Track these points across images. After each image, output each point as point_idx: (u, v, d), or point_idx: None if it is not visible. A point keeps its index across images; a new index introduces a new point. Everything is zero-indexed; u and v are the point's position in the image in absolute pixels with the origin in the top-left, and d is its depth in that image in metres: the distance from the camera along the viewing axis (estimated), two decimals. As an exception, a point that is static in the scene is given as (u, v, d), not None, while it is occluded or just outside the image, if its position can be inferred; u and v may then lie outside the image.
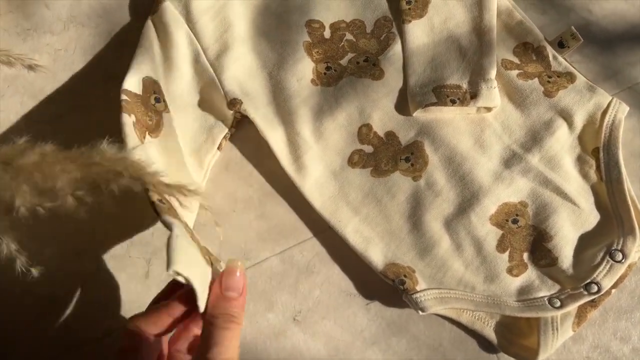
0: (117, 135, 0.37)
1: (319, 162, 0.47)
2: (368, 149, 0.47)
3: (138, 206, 0.38)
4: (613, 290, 0.44)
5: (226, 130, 0.48)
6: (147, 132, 0.42)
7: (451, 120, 0.47)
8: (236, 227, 0.48)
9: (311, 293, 0.47)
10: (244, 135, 0.49)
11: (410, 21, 0.49)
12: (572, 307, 0.43)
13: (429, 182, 0.46)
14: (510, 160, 0.46)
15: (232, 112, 0.47)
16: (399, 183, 0.46)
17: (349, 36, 0.49)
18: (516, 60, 0.49)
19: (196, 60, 0.47)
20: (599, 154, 0.46)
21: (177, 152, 0.44)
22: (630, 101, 0.48)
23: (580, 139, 0.47)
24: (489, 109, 0.47)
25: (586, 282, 0.42)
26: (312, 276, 0.47)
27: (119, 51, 0.51)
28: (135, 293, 0.46)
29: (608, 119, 0.46)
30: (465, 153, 0.46)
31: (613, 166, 0.45)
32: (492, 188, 0.45)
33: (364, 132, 0.47)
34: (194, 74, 0.47)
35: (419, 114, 0.47)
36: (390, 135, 0.47)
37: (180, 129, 0.46)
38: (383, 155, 0.47)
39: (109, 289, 0.46)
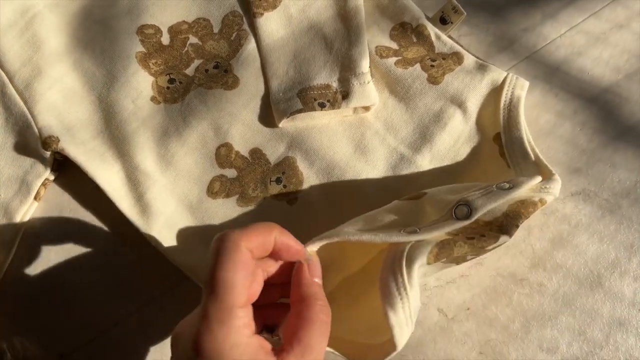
0: None
1: (169, 196, 0.39)
2: (230, 173, 0.39)
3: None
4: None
5: (45, 175, 0.39)
6: None
7: (326, 126, 0.40)
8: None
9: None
10: (77, 174, 0.39)
11: (262, 14, 0.40)
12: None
13: (305, 204, 0.39)
14: (399, 166, 0.39)
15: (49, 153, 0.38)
16: (272, 211, 0.38)
17: (193, 39, 0.41)
18: (394, 46, 0.41)
19: (1, 92, 0.38)
20: (501, 140, 0.39)
21: None
22: (531, 73, 0.41)
23: (479, 125, 0.40)
24: (367, 108, 0.40)
25: None
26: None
27: None
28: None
29: (505, 98, 0.40)
30: (344, 163, 0.39)
31: (517, 150, 0.38)
32: (379, 202, 0.38)
33: (223, 153, 0.39)
34: (1, 110, 0.38)
35: (286, 124, 0.39)
36: (256, 153, 0.39)
37: None
38: (250, 179, 0.39)
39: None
